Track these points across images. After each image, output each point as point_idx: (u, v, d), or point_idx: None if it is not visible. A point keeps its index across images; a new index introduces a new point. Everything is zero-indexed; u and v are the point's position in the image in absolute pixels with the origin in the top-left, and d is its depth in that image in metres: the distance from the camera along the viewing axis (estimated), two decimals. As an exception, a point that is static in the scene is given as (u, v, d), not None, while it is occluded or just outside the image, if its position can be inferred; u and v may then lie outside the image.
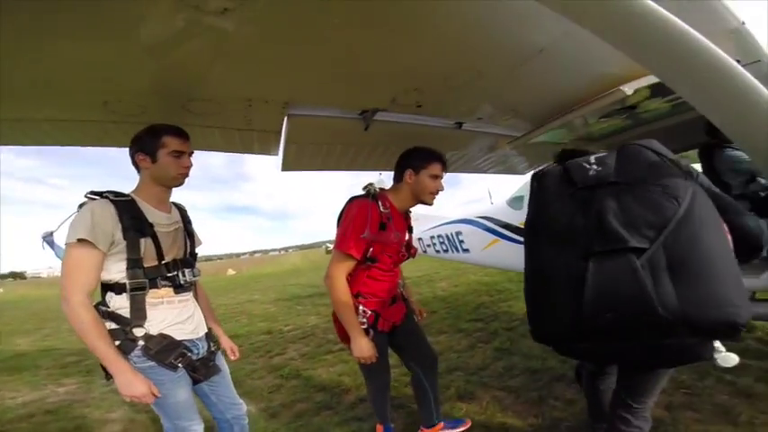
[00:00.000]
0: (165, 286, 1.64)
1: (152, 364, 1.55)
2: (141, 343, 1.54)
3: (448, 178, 2.37)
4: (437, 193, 2.19)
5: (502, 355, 4.01)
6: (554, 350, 1.46)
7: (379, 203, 2.08)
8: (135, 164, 1.70)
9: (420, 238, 7.48)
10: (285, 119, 2.23)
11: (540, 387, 3.14)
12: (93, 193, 1.58)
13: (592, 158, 1.40)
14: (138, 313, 1.55)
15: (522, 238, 4.46)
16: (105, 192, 1.59)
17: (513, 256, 4.73)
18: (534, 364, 3.58)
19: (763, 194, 2.88)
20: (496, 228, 5.03)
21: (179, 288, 1.68)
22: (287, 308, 9.39)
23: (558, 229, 1.33)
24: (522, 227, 4.55)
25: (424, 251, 7.44)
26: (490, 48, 1.70)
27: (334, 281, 2.00)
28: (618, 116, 2.84)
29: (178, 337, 1.64)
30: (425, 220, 7.61)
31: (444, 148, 3.43)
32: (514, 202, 4.86)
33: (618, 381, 1.68)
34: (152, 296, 1.59)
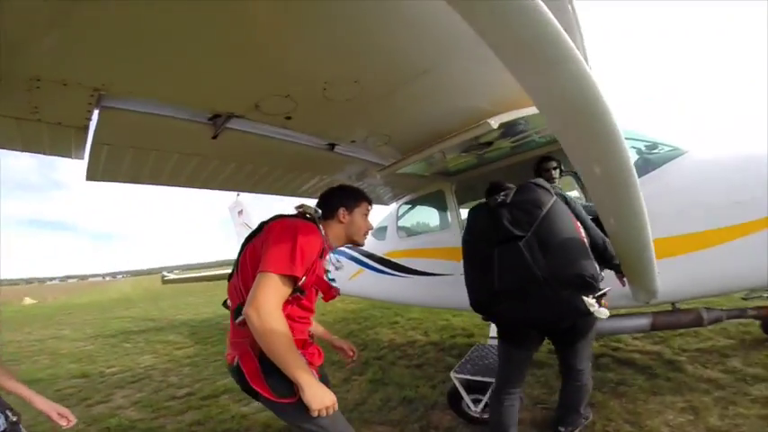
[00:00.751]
0: None
1: None
2: None
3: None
4: (368, 232, 1.93)
5: (377, 386, 3.86)
6: (484, 318, 2.25)
7: (322, 230, 1.70)
8: None
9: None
10: (96, 111, 1.64)
11: (419, 417, 3.09)
12: None
13: (502, 192, 2.15)
14: None
15: (383, 268, 4.54)
16: None
17: (376, 284, 4.67)
18: (409, 394, 3.54)
19: None
20: (361, 257, 4.91)
21: None
22: (110, 346, 7.58)
23: (478, 232, 2.18)
24: (385, 257, 4.59)
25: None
26: (376, 59, 1.50)
27: (270, 312, 1.42)
28: (474, 152, 2.98)
29: None
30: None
31: (313, 170, 3.16)
32: (378, 232, 4.82)
33: (558, 356, 2.35)
34: None
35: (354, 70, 1.56)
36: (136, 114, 1.72)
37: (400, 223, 4.54)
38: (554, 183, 3.30)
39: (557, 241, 1.93)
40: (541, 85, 1.24)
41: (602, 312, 1.89)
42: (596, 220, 2.23)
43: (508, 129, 2.50)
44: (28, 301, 26.05)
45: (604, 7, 73.68)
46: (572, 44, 1.07)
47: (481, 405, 2.75)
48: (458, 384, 2.81)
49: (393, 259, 4.41)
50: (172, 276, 7.56)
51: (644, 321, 3.00)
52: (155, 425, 3.45)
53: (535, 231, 1.96)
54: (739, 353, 3.45)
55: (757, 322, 3.71)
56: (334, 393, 1.50)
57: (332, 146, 2.52)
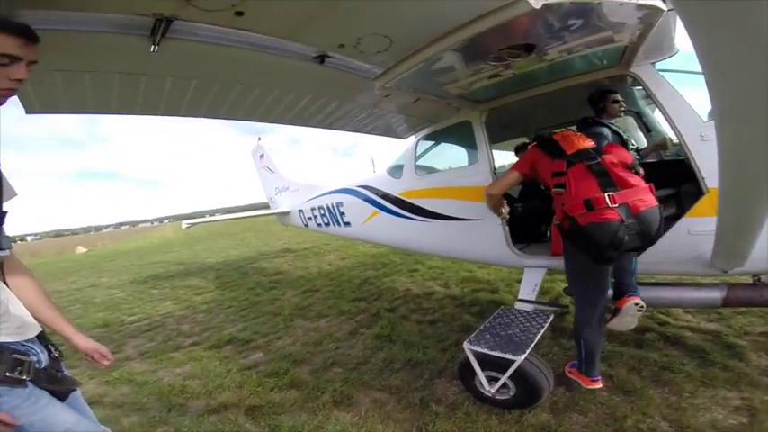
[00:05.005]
0: None
1: None
2: None
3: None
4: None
5: (383, 343, 3.60)
6: None
7: None
8: None
9: (300, 210, 6.62)
10: None
11: (421, 386, 2.79)
12: None
13: None
14: None
15: (399, 210, 4.00)
16: None
17: (391, 228, 4.25)
18: (416, 355, 3.26)
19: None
20: (375, 198, 4.44)
21: None
22: (138, 292, 7.79)
23: None
24: (401, 197, 4.04)
25: (306, 225, 6.60)
26: None
27: None
28: (495, 64, 2.29)
29: None
30: (306, 190, 6.75)
31: (303, 90, 2.58)
32: (394, 170, 4.29)
33: None
34: None
35: None
36: (54, 32, 1.37)
37: (419, 161, 3.96)
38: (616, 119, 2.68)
39: None
40: None
41: None
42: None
43: (549, 34, 1.92)
44: (80, 249, 27.71)
45: None
46: None
47: (497, 385, 2.28)
48: (471, 357, 2.34)
49: (410, 200, 3.91)
50: (188, 225, 7.36)
51: (715, 294, 2.41)
52: (153, 378, 3.44)
53: None
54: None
55: None
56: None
57: (321, 59, 1.99)
